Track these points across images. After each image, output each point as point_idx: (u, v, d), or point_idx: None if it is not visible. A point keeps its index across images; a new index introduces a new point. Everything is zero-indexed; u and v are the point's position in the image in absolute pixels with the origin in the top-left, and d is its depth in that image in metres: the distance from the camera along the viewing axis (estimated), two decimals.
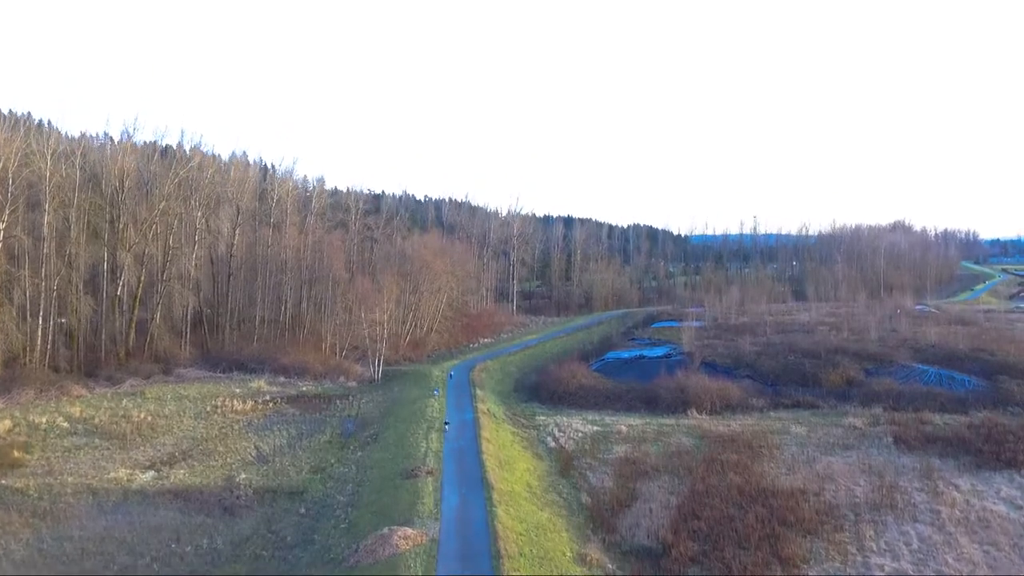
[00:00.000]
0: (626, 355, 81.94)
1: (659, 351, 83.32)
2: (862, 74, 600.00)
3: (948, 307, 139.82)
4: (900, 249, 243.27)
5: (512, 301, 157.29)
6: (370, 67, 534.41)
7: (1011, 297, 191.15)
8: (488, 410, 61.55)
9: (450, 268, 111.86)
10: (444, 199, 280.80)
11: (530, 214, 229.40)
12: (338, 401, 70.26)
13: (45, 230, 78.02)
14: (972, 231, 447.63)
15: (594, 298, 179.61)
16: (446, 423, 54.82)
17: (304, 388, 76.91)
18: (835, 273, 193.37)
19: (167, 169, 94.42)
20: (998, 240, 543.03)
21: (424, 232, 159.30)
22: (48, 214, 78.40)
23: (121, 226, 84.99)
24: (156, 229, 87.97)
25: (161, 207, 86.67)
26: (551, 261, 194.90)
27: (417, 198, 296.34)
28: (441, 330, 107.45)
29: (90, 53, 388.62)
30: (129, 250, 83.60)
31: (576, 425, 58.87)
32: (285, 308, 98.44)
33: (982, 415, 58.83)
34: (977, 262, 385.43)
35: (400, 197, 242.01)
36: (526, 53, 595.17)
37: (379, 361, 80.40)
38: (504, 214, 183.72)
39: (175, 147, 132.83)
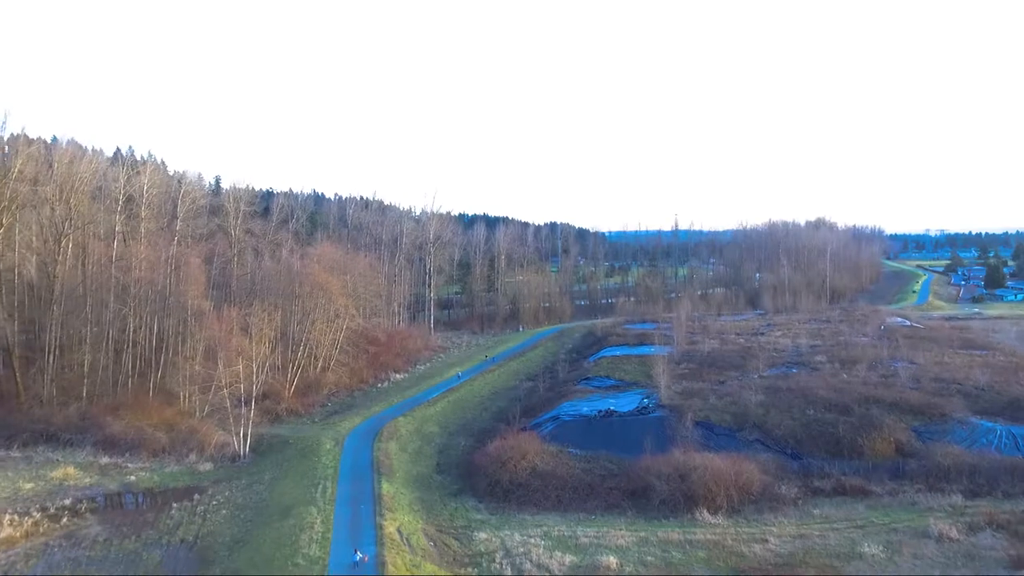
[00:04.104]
0: (587, 408, 61.35)
1: (630, 401, 63.20)
2: (768, 76, 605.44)
3: (919, 317, 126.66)
4: (833, 248, 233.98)
5: (429, 317, 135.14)
6: (279, 60, 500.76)
7: (958, 300, 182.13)
8: (399, 532, 39.77)
9: (351, 288, 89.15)
10: (355, 197, 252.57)
11: (447, 213, 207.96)
12: (175, 505, 47.02)
13: None
14: (878, 227, 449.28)
15: (521, 310, 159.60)
16: None
17: (133, 476, 53.28)
18: (779, 276, 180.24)
19: None
20: (899, 235, 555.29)
21: (327, 236, 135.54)
22: None
23: None
24: None
25: None
26: (472, 267, 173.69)
27: (327, 196, 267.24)
28: (340, 366, 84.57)
29: None
30: None
31: (539, 555, 37.80)
32: (128, 349, 73.42)
33: None
34: (889, 258, 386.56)
35: (300, 196, 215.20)
36: (439, 43, 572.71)
37: (246, 432, 57.24)
38: (419, 213, 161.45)
39: None
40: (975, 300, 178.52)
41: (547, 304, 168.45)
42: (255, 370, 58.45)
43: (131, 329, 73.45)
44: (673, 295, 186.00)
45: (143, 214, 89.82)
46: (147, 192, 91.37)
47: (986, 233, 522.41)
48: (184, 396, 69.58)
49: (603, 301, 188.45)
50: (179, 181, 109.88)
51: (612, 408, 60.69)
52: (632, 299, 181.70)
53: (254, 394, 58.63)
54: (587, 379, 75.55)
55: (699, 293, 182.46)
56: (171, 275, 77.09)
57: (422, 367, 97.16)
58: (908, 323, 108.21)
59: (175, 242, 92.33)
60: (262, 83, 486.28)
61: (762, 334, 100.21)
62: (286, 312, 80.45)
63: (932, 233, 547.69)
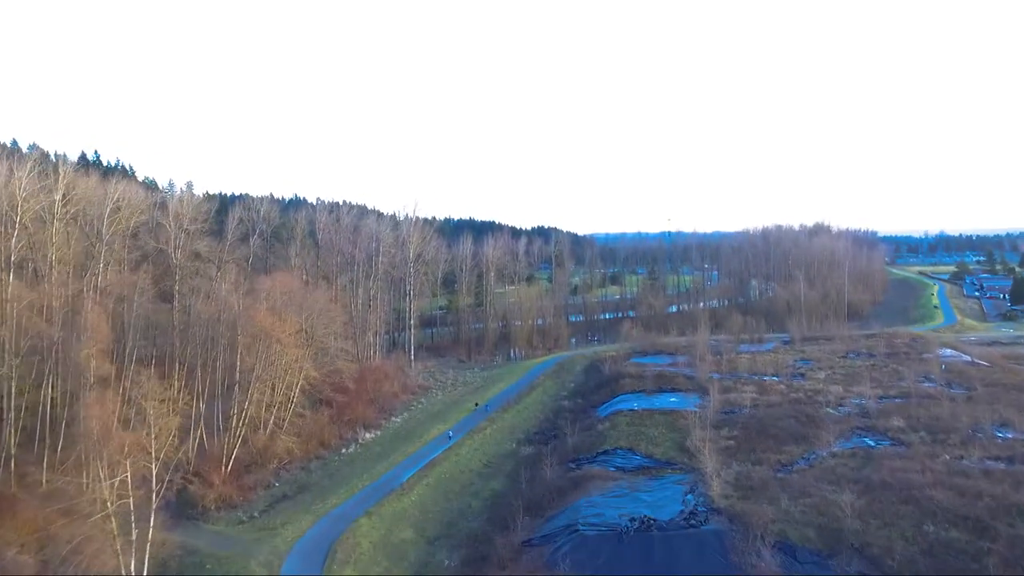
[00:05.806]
0: (613, 512, 45.28)
1: (669, 497, 47.03)
2: (763, 76, 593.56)
3: (956, 340, 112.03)
4: (839, 256, 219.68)
5: (409, 349, 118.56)
6: (265, 60, 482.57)
7: (986, 317, 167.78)
8: None
9: (309, 331, 72.74)
10: (336, 202, 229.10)
11: (432, 218, 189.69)
12: None
13: None
14: (870, 229, 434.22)
15: (513, 332, 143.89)
16: None
17: None
18: (792, 291, 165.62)
19: None
20: (889, 237, 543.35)
21: (296, 253, 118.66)
22: None
23: None
24: None
25: None
26: (458, 283, 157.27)
27: (308, 200, 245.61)
28: (294, 430, 67.98)
29: None
30: None
31: None
32: (9, 422, 56.58)
33: None
34: (887, 263, 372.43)
35: (265, 202, 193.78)
36: (424, 41, 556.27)
37: (143, 558, 40.77)
38: (401, 218, 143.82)
39: None
40: (1006, 318, 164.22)
41: (541, 322, 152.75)
42: (156, 472, 41.88)
43: (12, 395, 56.69)
44: (674, 307, 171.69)
45: (53, 238, 73.22)
46: (59, 207, 74.90)
47: (978, 235, 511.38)
48: (86, 483, 53.00)
49: (601, 316, 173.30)
50: (113, 194, 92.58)
51: (648, 515, 44.53)
52: (633, 314, 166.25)
53: (155, 505, 42.06)
54: (604, 453, 59.20)
55: (701, 305, 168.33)
56: (73, 322, 60.42)
57: (399, 419, 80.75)
58: (969, 358, 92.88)
59: (100, 273, 76.24)
60: (249, 84, 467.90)
61: (802, 375, 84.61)
62: (226, 367, 64.19)
63: (923, 235, 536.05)
